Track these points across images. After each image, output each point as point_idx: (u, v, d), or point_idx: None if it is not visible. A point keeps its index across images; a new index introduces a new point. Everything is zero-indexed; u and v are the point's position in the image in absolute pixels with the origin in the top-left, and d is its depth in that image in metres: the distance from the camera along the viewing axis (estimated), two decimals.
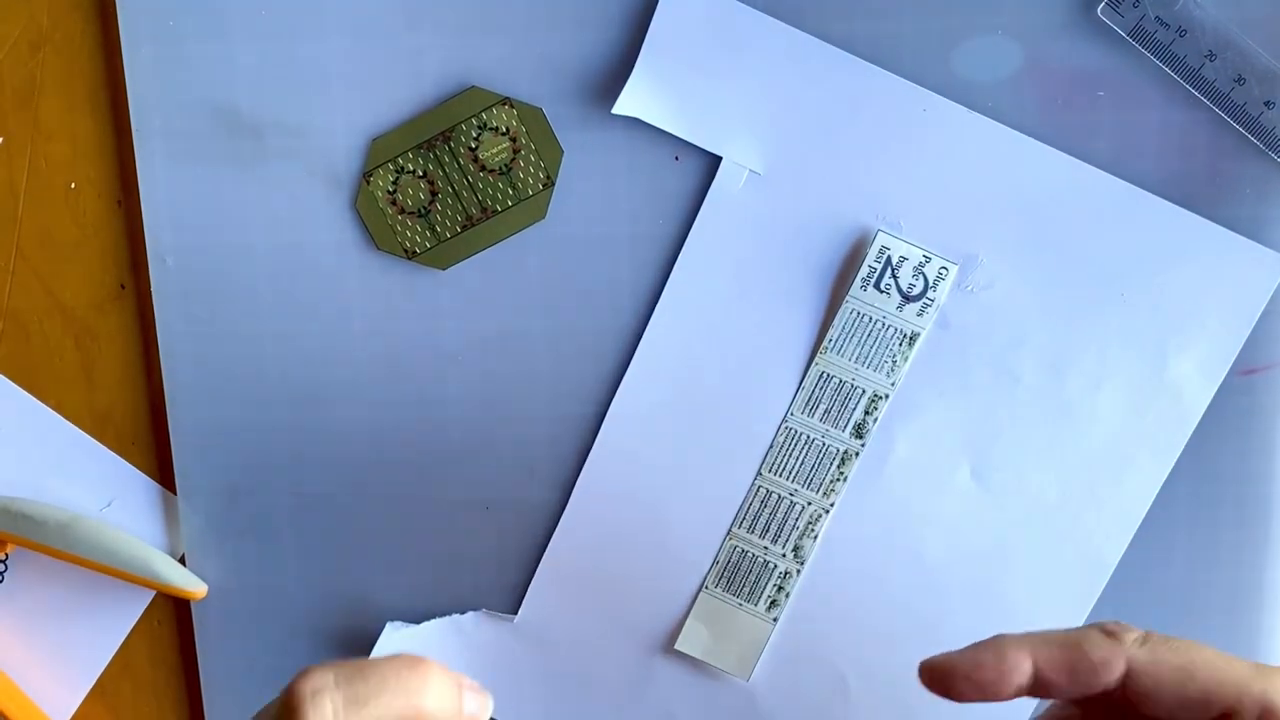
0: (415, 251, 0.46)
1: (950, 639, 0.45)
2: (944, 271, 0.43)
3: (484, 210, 0.46)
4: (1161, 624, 0.44)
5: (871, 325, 0.44)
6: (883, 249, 0.43)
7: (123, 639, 0.48)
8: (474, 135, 0.45)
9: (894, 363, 0.44)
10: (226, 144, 0.46)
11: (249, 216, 0.46)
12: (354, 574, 0.47)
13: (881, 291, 0.44)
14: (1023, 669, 0.33)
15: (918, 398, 0.45)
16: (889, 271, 0.43)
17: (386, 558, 0.47)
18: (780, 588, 0.45)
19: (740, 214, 0.45)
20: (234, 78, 0.45)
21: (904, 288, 0.44)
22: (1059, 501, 0.45)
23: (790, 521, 0.45)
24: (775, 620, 0.46)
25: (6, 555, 0.47)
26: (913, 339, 0.44)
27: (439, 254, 0.46)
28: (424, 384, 0.46)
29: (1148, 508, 0.45)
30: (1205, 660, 0.32)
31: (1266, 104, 0.43)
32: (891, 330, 0.44)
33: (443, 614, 0.47)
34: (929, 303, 0.44)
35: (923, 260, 0.43)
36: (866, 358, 0.44)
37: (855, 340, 0.44)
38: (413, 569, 0.47)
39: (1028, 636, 0.33)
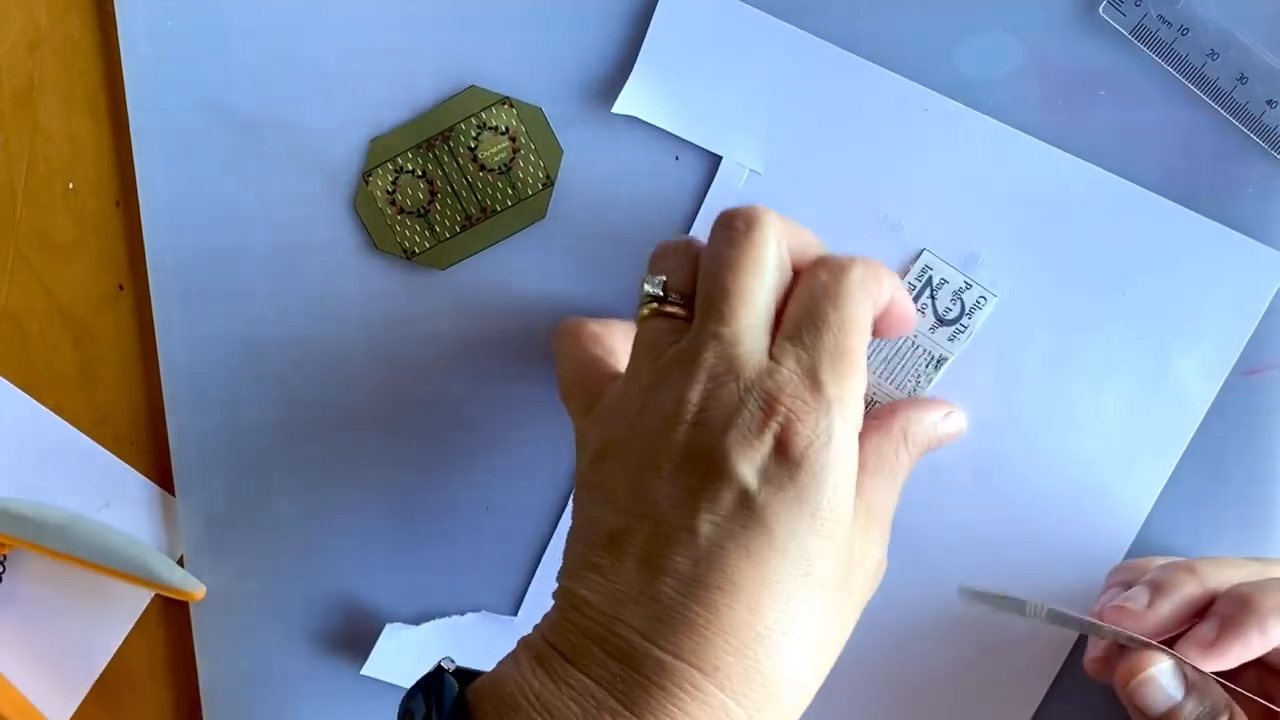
0: (414, 252, 0.46)
1: (951, 638, 0.45)
2: (982, 301, 0.43)
3: (483, 210, 0.46)
4: None
5: (901, 343, 0.43)
6: (925, 268, 0.43)
7: (121, 640, 0.48)
8: (473, 135, 0.45)
9: (918, 383, 0.43)
10: (225, 144, 0.46)
11: (248, 216, 0.46)
12: (353, 575, 0.47)
13: (918, 311, 0.43)
14: None
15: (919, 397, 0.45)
16: (928, 291, 0.43)
17: (386, 559, 0.47)
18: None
19: None
20: (232, 77, 0.45)
21: (940, 310, 0.43)
22: (1062, 501, 0.45)
23: None
24: None
25: (4, 556, 0.47)
26: (940, 362, 0.43)
27: (438, 254, 0.46)
28: (423, 384, 0.46)
29: (1150, 508, 0.45)
30: None
31: (1269, 103, 0.43)
32: (921, 350, 0.43)
33: (442, 615, 0.47)
34: (963, 329, 0.43)
35: (963, 286, 0.43)
36: (892, 374, 0.43)
37: (883, 355, 0.43)
38: (412, 570, 0.47)
39: None
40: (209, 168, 0.46)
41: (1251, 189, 0.44)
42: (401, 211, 0.46)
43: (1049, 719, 0.45)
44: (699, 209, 0.45)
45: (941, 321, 0.42)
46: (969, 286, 0.42)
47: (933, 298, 0.42)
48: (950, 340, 0.43)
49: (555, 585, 0.38)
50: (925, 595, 0.45)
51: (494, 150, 0.45)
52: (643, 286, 0.38)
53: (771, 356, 0.36)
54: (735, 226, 0.37)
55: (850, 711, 0.46)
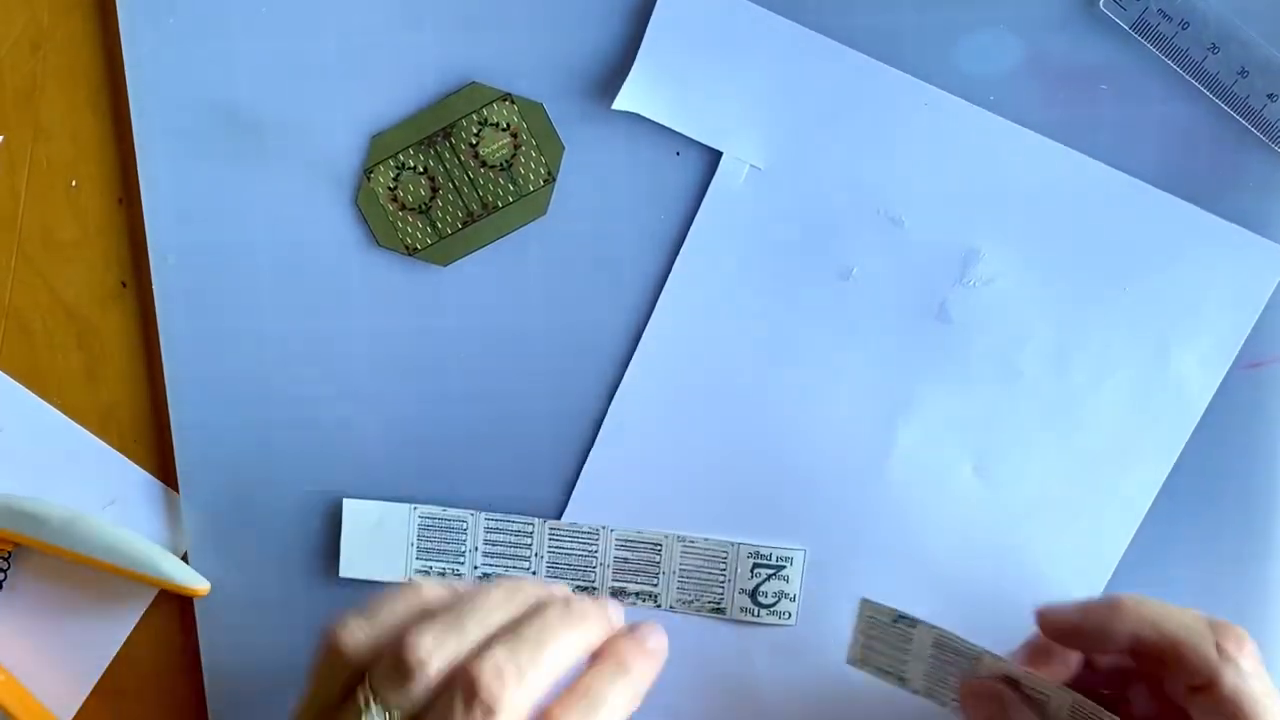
0: (416, 248, 0.46)
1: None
2: None
3: (485, 206, 0.46)
4: None
5: None
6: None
7: (126, 636, 0.48)
8: (475, 131, 0.45)
9: None
10: (227, 141, 0.46)
11: (250, 214, 0.46)
12: None
13: None
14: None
15: (919, 392, 0.45)
16: None
17: None
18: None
19: (741, 209, 0.45)
20: (234, 75, 0.45)
21: None
22: (1062, 496, 0.45)
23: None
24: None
25: (9, 554, 0.47)
26: None
27: (440, 250, 0.46)
28: (425, 381, 0.46)
29: (1151, 502, 0.45)
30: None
31: (1269, 96, 0.43)
32: None
33: None
34: None
35: None
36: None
37: None
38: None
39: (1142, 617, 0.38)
40: (211, 165, 0.46)
41: (1252, 183, 0.44)
42: (403, 208, 0.46)
43: None
44: (699, 205, 0.45)
45: None
46: None
47: None
48: None
49: None
50: (924, 589, 0.45)
51: (495, 146, 0.45)
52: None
53: None
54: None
55: (854, 705, 0.46)
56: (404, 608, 0.39)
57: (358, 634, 0.38)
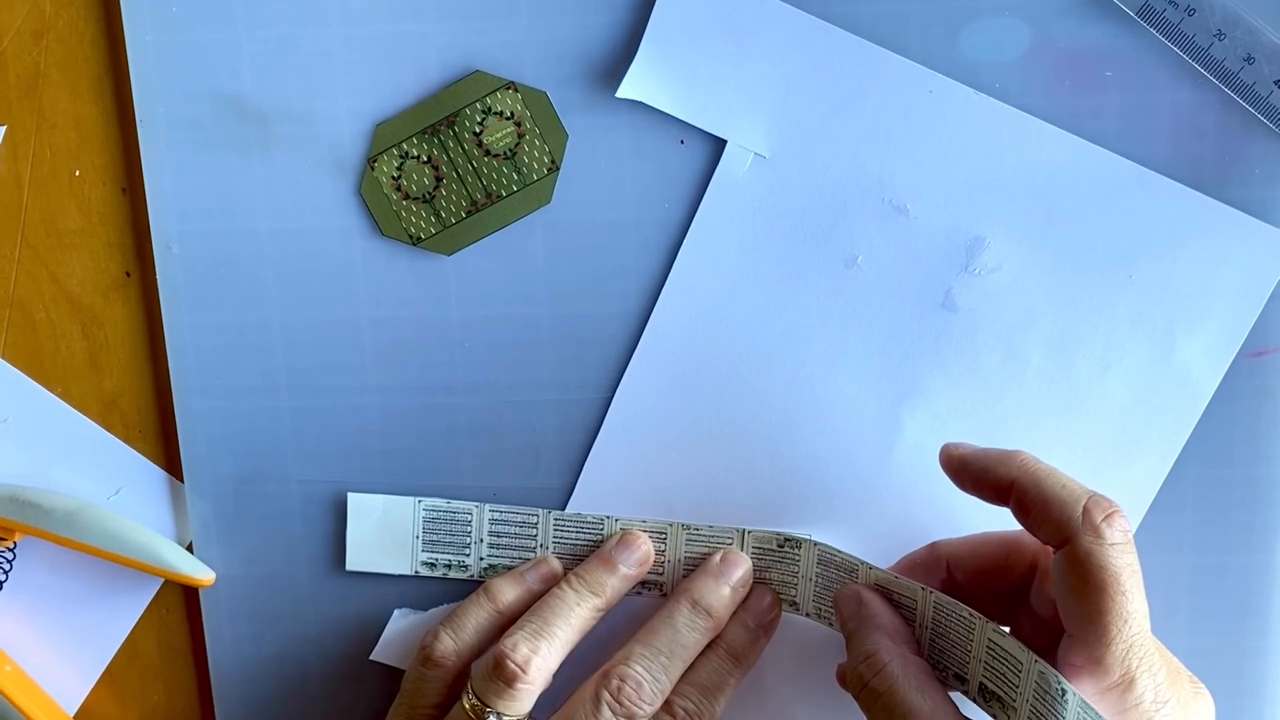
0: (420, 237, 0.46)
1: None
2: None
3: (489, 195, 0.46)
4: (1170, 606, 0.43)
5: None
6: None
7: (131, 627, 0.48)
8: (478, 120, 0.45)
9: None
10: (231, 130, 0.46)
11: (254, 203, 0.46)
12: None
13: None
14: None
15: (925, 380, 0.45)
16: None
17: None
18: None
19: (745, 197, 0.45)
20: (238, 64, 0.45)
21: None
22: None
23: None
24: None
25: (15, 544, 0.47)
26: None
27: (444, 239, 0.46)
28: (429, 370, 0.46)
29: (1157, 490, 0.45)
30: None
31: (1276, 83, 0.43)
32: None
33: (449, 601, 0.47)
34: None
35: None
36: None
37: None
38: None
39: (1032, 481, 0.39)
40: (214, 154, 0.46)
41: (1258, 170, 0.44)
42: (407, 197, 0.46)
43: None
44: (704, 193, 0.45)
45: None
46: None
47: None
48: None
49: None
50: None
51: (499, 135, 0.45)
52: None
53: None
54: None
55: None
56: (484, 615, 0.43)
57: (446, 642, 0.42)
